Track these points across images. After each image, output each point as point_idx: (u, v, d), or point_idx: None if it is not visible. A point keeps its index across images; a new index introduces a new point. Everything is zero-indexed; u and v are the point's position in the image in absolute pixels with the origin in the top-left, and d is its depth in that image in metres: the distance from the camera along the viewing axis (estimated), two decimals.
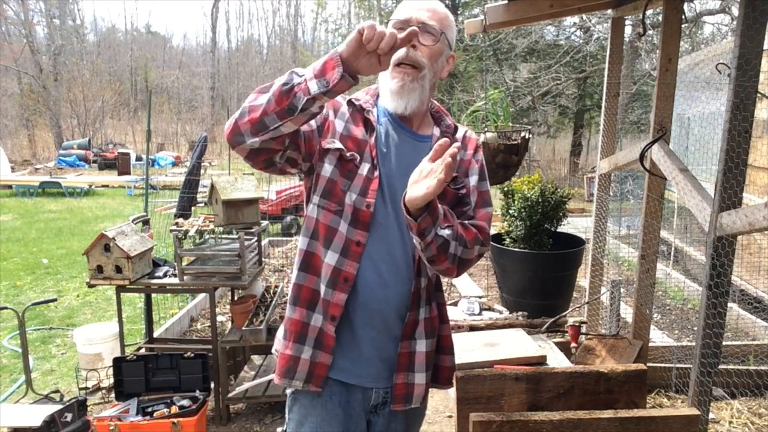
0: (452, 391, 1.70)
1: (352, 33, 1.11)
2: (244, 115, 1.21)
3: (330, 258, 1.36)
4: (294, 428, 1.46)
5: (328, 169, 1.36)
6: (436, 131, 1.47)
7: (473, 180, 1.46)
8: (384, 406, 1.47)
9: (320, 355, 1.39)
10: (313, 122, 1.34)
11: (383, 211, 1.38)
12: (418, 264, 1.40)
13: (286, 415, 1.51)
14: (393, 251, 1.39)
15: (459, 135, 1.50)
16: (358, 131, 1.39)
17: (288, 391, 1.49)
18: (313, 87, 1.14)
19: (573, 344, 3.13)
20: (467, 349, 2.23)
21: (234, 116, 1.23)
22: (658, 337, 4.18)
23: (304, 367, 1.39)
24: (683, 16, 2.77)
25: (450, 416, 3.23)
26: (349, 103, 1.43)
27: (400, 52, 1.30)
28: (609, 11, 3.65)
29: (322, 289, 1.38)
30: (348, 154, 1.36)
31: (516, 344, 2.29)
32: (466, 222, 1.39)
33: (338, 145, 1.36)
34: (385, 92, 1.38)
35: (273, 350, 1.53)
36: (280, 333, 1.50)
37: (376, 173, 1.37)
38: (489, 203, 1.48)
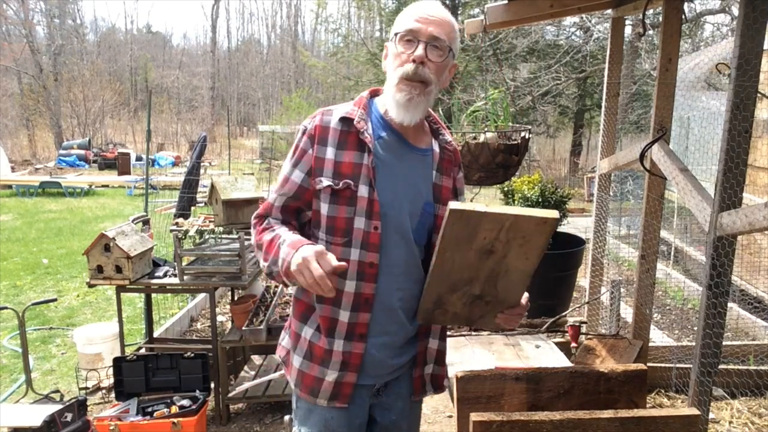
0: (453, 391, 1.71)
1: (291, 265, 1.27)
2: (256, 252, 1.47)
3: (348, 286, 1.40)
4: (301, 418, 1.53)
5: (325, 207, 1.39)
6: (435, 146, 1.51)
7: (461, 199, 1.58)
8: (385, 388, 1.53)
9: (347, 375, 1.45)
10: (300, 177, 1.42)
11: (389, 227, 1.40)
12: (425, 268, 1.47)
13: (294, 404, 1.56)
14: (401, 261, 1.43)
15: (452, 148, 1.55)
16: (352, 154, 1.39)
17: (291, 385, 1.54)
18: (287, 281, 1.35)
19: (573, 344, 3.13)
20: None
21: (254, 244, 1.47)
22: (658, 337, 4.18)
23: (328, 387, 1.45)
24: (683, 16, 2.77)
25: (450, 416, 3.23)
26: (342, 120, 1.41)
27: (408, 69, 1.34)
28: (609, 11, 3.65)
29: (344, 314, 1.41)
30: (341, 184, 1.37)
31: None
32: None
33: (326, 183, 1.38)
34: (390, 103, 1.39)
35: (278, 356, 1.58)
36: (289, 343, 1.55)
37: (375, 194, 1.38)
38: None
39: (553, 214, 1.23)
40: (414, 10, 1.38)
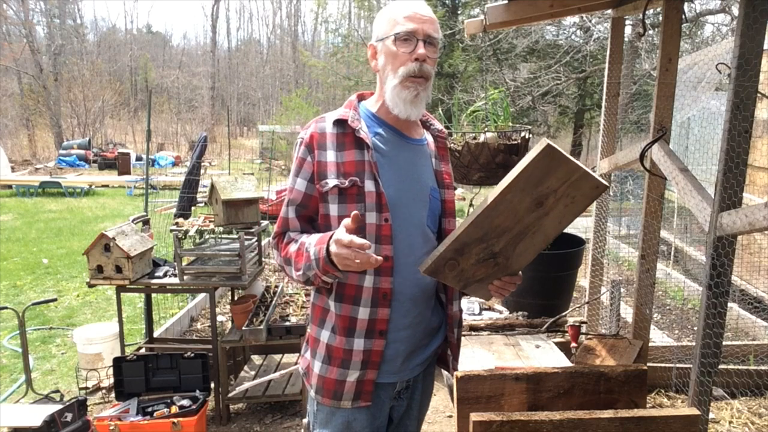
0: (453, 391, 1.71)
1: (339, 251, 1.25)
2: (284, 270, 1.49)
3: (367, 281, 1.42)
4: (322, 422, 1.53)
5: (334, 207, 1.43)
6: (428, 136, 1.59)
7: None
8: (406, 390, 1.57)
9: (368, 373, 1.46)
10: (304, 185, 1.45)
11: (399, 218, 1.44)
12: None
13: (310, 416, 1.57)
14: (416, 251, 1.46)
15: (444, 135, 1.62)
16: (353, 153, 1.43)
17: (311, 394, 1.54)
18: (327, 279, 1.38)
19: (573, 344, 3.13)
20: None
21: (280, 262, 1.50)
22: (658, 337, 4.18)
23: (351, 388, 1.46)
24: (683, 16, 2.77)
25: (450, 416, 3.23)
26: (337, 123, 1.46)
27: (414, 67, 1.40)
28: (609, 11, 3.65)
29: (363, 311, 1.44)
30: (347, 182, 1.41)
31: None
32: None
33: (332, 183, 1.41)
34: (396, 101, 1.43)
35: (301, 368, 1.60)
36: (309, 352, 1.56)
37: (381, 187, 1.42)
38: None
39: (605, 182, 1.30)
40: (403, 10, 1.42)
